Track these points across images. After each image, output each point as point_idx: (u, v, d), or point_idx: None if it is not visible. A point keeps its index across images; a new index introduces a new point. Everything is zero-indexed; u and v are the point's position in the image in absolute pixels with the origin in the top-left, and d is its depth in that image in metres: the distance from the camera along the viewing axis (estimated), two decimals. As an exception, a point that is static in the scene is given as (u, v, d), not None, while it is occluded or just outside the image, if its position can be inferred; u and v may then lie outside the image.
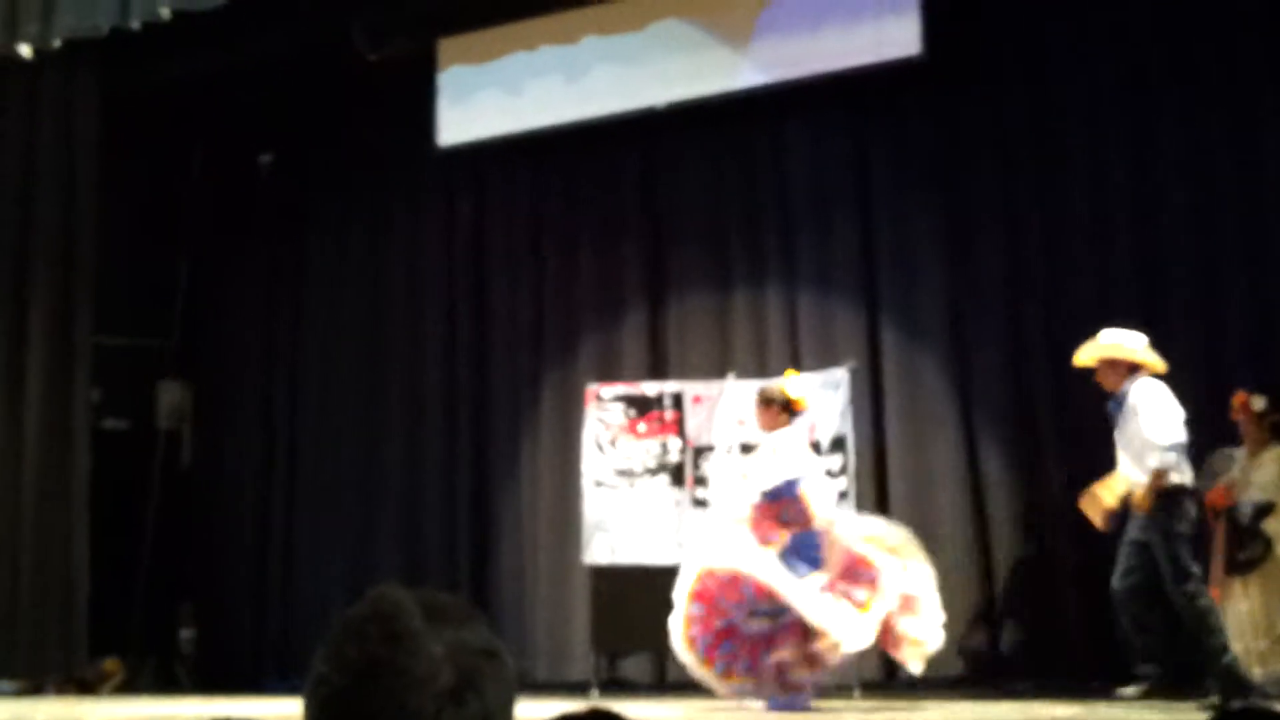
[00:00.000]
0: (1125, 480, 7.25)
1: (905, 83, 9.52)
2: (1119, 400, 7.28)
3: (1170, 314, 8.69)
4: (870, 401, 9.40)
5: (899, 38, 9.24)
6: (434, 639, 1.46)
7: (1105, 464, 8.73)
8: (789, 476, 7.42)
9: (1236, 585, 7.69)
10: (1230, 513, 7.76)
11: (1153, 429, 7.05)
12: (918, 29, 9.16)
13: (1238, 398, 7.81)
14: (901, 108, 9.77)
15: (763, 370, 9.79)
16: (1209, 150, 8.76)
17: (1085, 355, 7.51)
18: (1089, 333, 8.84)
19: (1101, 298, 8.91)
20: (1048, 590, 8.88)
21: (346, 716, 1.44)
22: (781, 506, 7.38)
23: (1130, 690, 7.48)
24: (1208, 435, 7.87)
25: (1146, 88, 8.99)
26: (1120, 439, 7.31)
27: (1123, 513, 7.36)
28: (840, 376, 9.06)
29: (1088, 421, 8.84)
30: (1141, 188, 8.91)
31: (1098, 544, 8.68)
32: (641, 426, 9.52)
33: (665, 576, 9.29)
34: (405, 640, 1.46)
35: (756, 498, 7.45)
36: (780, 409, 7.67)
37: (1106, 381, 7.37)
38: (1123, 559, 7.29)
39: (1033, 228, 9.22)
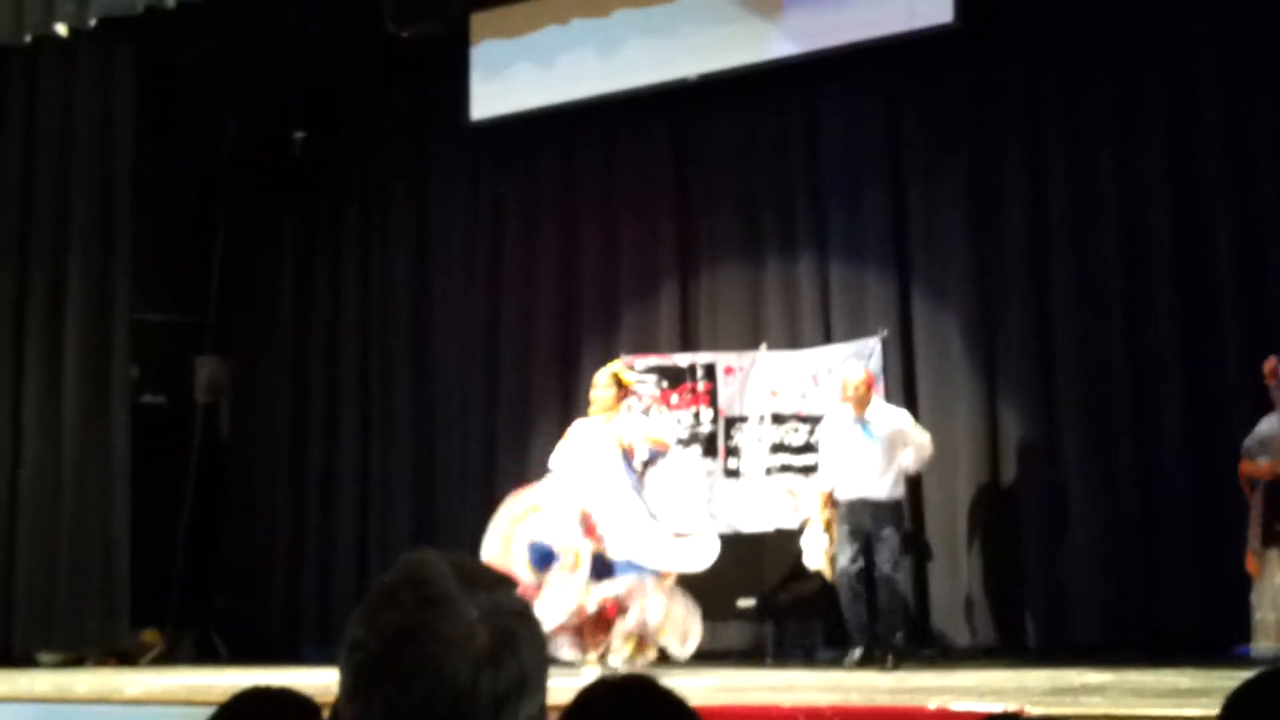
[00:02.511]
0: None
1: (937, 51, 9.48)
2: (864, 422, 8.30)
3: (1206, 283, 8.66)
4: (901, 370, 9.41)
5: (931, 5, 9.19)
6: (468, 602, 1.45)
7: (1127, 430, 8.78)
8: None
9: (1273, 557, 7.68)
10: (1269, 484, 7.74)
11: (925, 438, 8.41)
12: (950, -4, 9.12)
13: (1268, 364, 7.81)
14: (933, 76, 9.73)
15: (795, 341, 9.82)
16: (1247, 118, 8.70)
17: (854, 377, 8.41)
18: (1118, 304, 8.88)
19: (1132, 268, 8.90)
20: (1071, 557, 8.89)
21: (382, 681, 1.43)
22: None
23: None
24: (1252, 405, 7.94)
25: (1181, 56, 8.93)
26: (861, 457, 8.25)
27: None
28: (872, 346, 9.09)
29: (1111, 390, 8.88)
30: (1177, 156, 8.86)
31: (1120, 510, 8.73)
32: (674, 397, 9.56)
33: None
34: (440, 604, 1.44)
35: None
36: (620, 389, 8.03)
37: (858, 409, 8.33)
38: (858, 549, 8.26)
39: (1064, 197, 9.19)
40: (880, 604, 8.23)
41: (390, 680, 1.43)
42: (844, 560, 8.30)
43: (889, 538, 8.21)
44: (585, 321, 10.76)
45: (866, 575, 8.26)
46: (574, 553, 7.57)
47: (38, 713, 7.13)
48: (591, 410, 8.07)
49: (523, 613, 1.50)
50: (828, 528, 8.50)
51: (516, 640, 1.46)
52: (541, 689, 1.48)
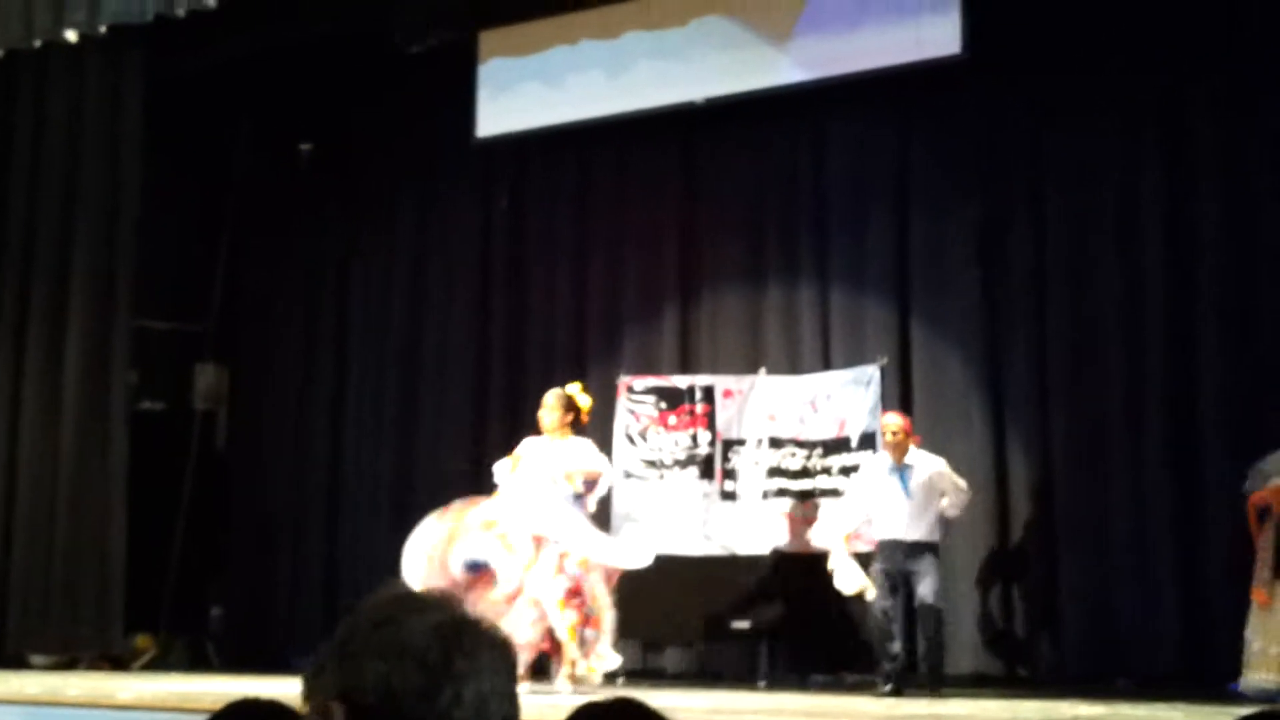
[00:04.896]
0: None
1: (945, 81, 9.52)
2: (902, 469, 8.29)
3: (1201, 313, 8.69)
4: (899, 398, 9.42)
5: (939, 36, 9.22)
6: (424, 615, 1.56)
7: (1126, 463, 8.77)
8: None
9: None
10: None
11: (962, 484, 8.44)
12: (958, 28, 9.14)
13: None
14: (940, 106, 9.76)
15: (794, 366, 9.83)
16: (1245, 152, 8.73)
17: (892, 423, 8.44)
18: (1116, 334, 8.89)
19: (1130, 299, 8.92)
20: (1067, 588, 8.90)
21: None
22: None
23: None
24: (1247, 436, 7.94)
25: (1184, 90, 8.97)
26: (899, 502, 8.24)
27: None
28: (871, 373, 9.11)
29: (1112, 422, 8.89)
30: (1175, 189, 8.89)
31: (1116, 543, 8.73)
32: (672, 419, 9.57)
33: (692, 568, 9.38)
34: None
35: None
36: (569, 412, 8.08)
37: (896, 455, 8.32)
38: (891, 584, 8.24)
39: (1065, 228, 9.21)
40: (924, 633, 8.16)
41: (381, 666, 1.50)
42: (877, 597, 8.24)
43: (928, 569, 8.15)
44: (586, 341, 10.78)
45: (899, 611, 8.21)
46: (514, 581, 7.64)
47: (28, 715, 7.12)
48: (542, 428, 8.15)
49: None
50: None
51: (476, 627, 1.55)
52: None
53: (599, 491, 8.14)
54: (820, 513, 9.10)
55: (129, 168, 10.81)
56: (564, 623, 7.74)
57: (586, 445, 8.21)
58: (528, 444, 8.19)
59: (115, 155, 10.78)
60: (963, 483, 8.44)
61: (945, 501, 8.37)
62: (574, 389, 8.35)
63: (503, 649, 1.54)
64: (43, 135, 10.74)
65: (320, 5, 10.45)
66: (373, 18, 10.70)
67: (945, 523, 8.48)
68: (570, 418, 8.12)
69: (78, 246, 10.66)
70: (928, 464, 8.37)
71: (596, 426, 10.17)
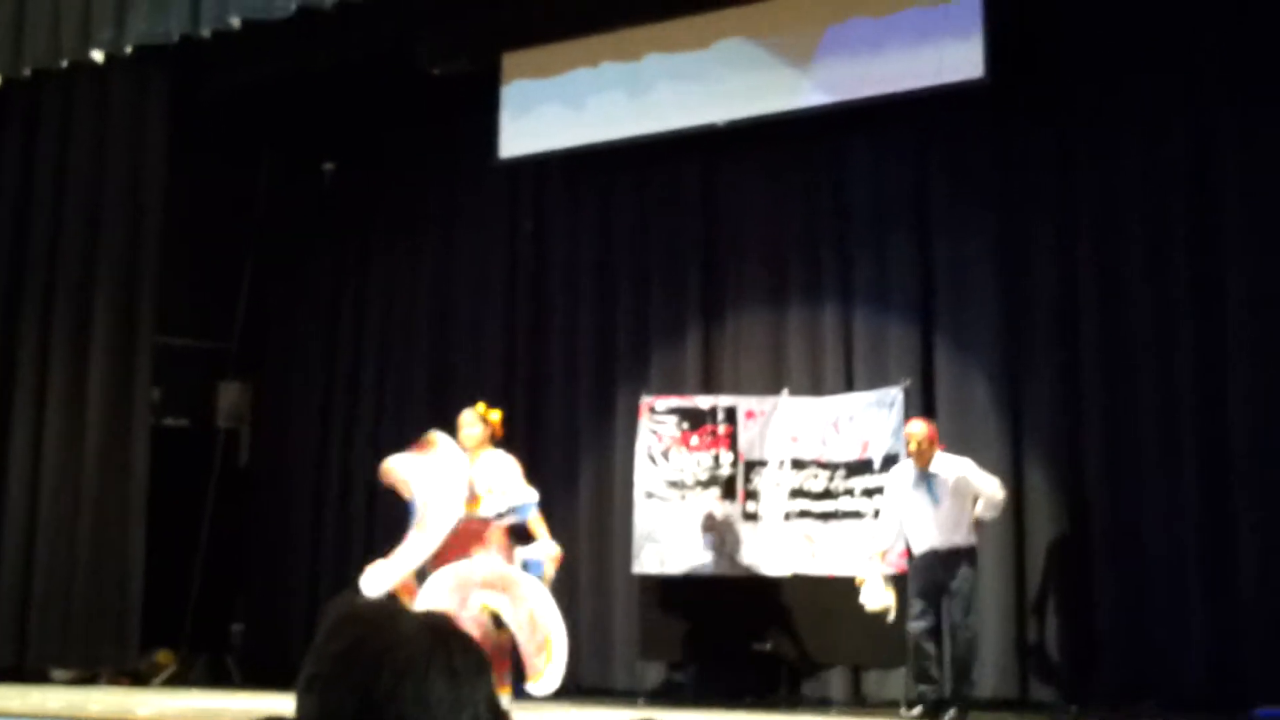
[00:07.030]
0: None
1: (967, 105, 9.52)
2: (929, 476, 8.22)
3: (1225, 337, 8.66)
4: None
5: (962, 61, 9.20)
6: (403, 619, 1.57)
7: (1147, 484, 8.74)
8: (527, 500, 8.06)
9: None
10: None
11: (992, 484, 8.27)
12: (981, 52, 9.13)
13: None
14: (962, 130, 9.77)
15: (817, 387, 9.83)
16: (1269, 175, 8.72)
17: (917, 431, 8.34)
18: (1141, 357, 8.87)
19: (1156, 322, 8.90)
20: (1092, 611, 8.86)
21: (347, 691, 1.51)
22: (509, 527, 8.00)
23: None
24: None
25: (1206, 116, 8.96)
26: (929, 510, 8.19)
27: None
28: (894, 395, 9.09)
29: (1136, 444, 8.86)
30: (1199, 214, 8.87)
31: (1138, 567, 8.70)
32: (694, 439, 9.58)
33: (714, 589, 9.37)
34: (382, 614, 1.57)
35: (491, 515, 7.93)
36: (487, 427, 8.23)
37: (921, 463, 8.24)
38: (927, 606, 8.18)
39: (1088, 251, 9.20)
40: (954, 656, 8.10)
41: (354, 689, 1.51)
42: (913, 617, 8.18)
43: (960, 587, 8.06)
44: (610, 362, 10.78)
45: (935, 633, 8.16)
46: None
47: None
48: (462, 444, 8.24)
49: (452, 620, 1.60)
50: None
51: (458, 635, 1.56)
52: (489, 674, 1.55)
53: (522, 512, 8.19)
54: (842, 535, 9.09)
55: (153, 187, 10.87)
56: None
57: (507, 460, 8.25)
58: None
59: (139, 175, 10.86)
60: (994, 480, 8.30)
61: (979, 506, 8.25)
62: (480, 408, 8.42)
63: (486, 665, 1.57)
64: (68, 154, 10.82)
65: (345, 27, 10.49)
66: (397, 40, 10.75)
67: (979, 526, 8.39)
68: (489, 432, 8.26)
69: (102, 265, 10.72)
70: (954, 467, 8.26)
71: (621, 446, 10.21)
